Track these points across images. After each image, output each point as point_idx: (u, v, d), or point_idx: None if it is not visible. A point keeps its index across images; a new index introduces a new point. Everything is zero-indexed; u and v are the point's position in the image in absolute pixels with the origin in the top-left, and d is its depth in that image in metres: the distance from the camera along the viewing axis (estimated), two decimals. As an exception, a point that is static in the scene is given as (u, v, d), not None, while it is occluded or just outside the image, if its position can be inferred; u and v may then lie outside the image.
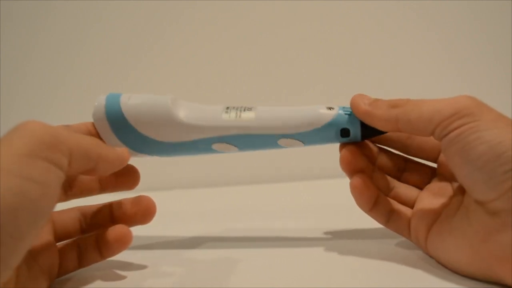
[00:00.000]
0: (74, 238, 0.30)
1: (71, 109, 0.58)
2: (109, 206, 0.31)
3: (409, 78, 0.62)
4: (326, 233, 0.37)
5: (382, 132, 0.31)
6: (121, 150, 0.28)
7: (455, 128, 0.26)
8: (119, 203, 0.31)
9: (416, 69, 0.62)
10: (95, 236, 0.30)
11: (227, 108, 0.32)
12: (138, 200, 0.31)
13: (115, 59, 0.58)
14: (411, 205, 0.33)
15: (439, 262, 0.29)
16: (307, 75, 0.60)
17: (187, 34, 0.58)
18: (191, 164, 0.49)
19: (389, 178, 0.34)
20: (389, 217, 0.32)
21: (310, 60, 0.60)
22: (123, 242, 0.29)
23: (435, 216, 0.30)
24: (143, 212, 0.31)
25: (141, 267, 0.31)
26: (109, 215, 0.31)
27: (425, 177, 0.34)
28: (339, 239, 0.36)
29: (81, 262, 0.30)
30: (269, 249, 0.34)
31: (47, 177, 0.21)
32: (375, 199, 0.32)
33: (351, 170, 0.32)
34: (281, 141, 0.32)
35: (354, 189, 0.31)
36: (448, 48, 0.63)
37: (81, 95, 0.57)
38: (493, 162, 0.25)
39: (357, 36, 0.60)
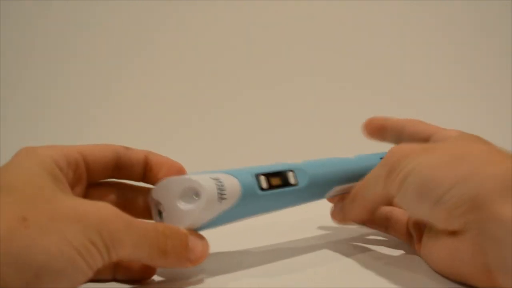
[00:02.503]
0: None
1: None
2: None
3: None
4: (325, 236, 0.37)
5: None
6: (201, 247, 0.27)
7: (391, 185, 0.28)
8: None
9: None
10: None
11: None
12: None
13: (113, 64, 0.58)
14: None
15: (430, 267, 0.30)
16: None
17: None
18: (190, 165, 0.49)
19: None
20: (387, 225, 0.34)
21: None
22: (145, 278, 0.28)
23: (424, 224, 0.31)
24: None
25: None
26: None
27: None
28: (338, 242, 0.35)
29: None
30: (268, 250, 0.34)
31: (94, 262, 0.23)
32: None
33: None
34: None
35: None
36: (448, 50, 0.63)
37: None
38: (422, 198, 0.26)
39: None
